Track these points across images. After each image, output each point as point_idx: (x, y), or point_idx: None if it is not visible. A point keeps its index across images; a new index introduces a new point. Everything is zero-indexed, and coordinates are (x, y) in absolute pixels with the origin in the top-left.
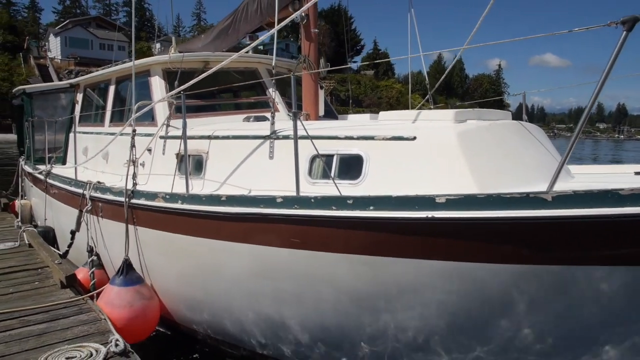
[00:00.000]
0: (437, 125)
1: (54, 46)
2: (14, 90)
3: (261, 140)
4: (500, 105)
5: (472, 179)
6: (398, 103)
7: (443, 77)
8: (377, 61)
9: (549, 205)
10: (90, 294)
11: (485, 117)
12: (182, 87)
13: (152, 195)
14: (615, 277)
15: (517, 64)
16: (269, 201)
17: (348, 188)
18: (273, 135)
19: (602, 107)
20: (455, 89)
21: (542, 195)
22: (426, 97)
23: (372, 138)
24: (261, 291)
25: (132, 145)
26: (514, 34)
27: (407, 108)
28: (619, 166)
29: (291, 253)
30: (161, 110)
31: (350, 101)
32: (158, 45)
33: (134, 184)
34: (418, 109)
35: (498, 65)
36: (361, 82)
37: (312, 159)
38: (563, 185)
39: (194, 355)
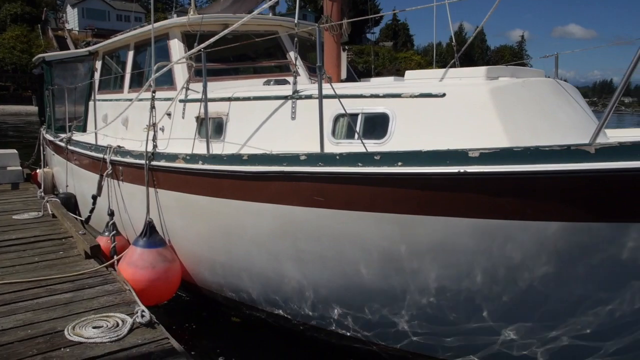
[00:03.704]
0: (467, 82)
1: (71, 17)
2: (33, 59)
3: (283, 101)
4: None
5: (506, 137)
6: None
7: (470, 40)
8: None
9: (592, 158)
10: (111, 261)
11: (519, 75)
12: (202, 46)
13: (173, 157)
14: None
15: (540, 36)
16: (292, 159)
17: (373, 148)
18: (295, 95)
19: (628, 81)
20: (476, 61)
21: (584, 148)
22: (453, 61)
23: (398, 96)
24: (283, 252)
25: (152, 107)
26: (536, 3)
27: None
28: None
29: (315, 212)
30: (180, 74)
31: (373, 67)
32: (175, 16)
33: (154, 146)
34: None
35: (521, 37)
36: (379, 53)
37: (336, 119)
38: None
39: (219, 323)
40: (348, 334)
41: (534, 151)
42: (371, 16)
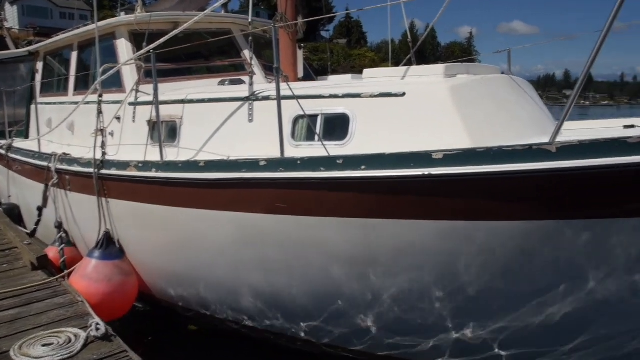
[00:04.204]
0: (427, 81)
1: (11, 16)
2: None
3: (239, 103)
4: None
5: (467, 135)
6: None
7: (423, 37)
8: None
9: (553, 157)
10: (63, 274)
11: (475, 72)
12: (151, 47)
13: (124, 165)
14: (622, 230)
15: (486, 32)
16: (252, 165)
17: (334, 149)
18: (252, 97)
19: (569, 74)
20: (427, 57)
21: (546, 147)
22: (408, 56)
23: (358, 96)
24: (247, 261)
25: (99, 112)
26: (482, 0)
27: None
28: (606, 121)
29: (277, 219)
30: (129, 75)
31: (330, 65)
32: (123, 14)
33: (103, 154)
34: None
35: (469, 33)
36: (334, 50)
37: (295, 121)
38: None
39: (178, 332)
40: (314, 339)
41: (497, 151)
42: (328, 15)
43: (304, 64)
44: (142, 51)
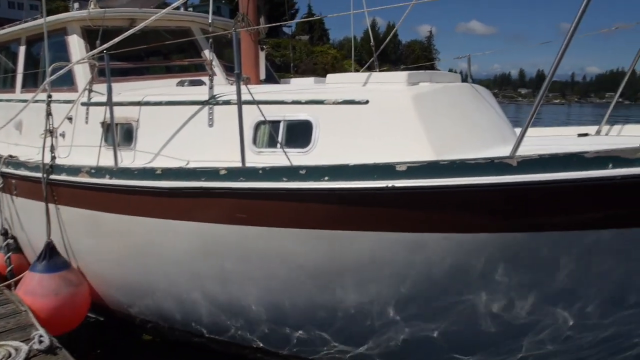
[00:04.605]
0: (390, 88)
1: None
2: None
3: (199, 107)
4: (432, 70)
5: (429, 144)
6: (333, 69)
7: (389, 38)
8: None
9: (514, 171)
10: (7, 282)
11: (437, 80)
12: (105, 46)
13: (75, 170)
14: (579, 243)
15: (445, 31)
16: (212, 173)
17: (297, 157)
18: (212, 101)
19: (524, 73)
20: (388, 54)
21: (507, 161)
22: (371, 60)
23: (321, 102)
24: (206, 272)
25: (48, 114)
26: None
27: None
28: (561, 129)
29: (238, 230)
30: (82, 74)
31: (292, 64)
32: (76, 5)
33: (52, 157)
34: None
35: (429, 32)
36: (296, 47)
37: (257, 126)
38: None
39: (132, 342)
40: (276, 350)
41: (459, 164)
42: (292, 21)
43: (267, 65)
44: (95, 51)
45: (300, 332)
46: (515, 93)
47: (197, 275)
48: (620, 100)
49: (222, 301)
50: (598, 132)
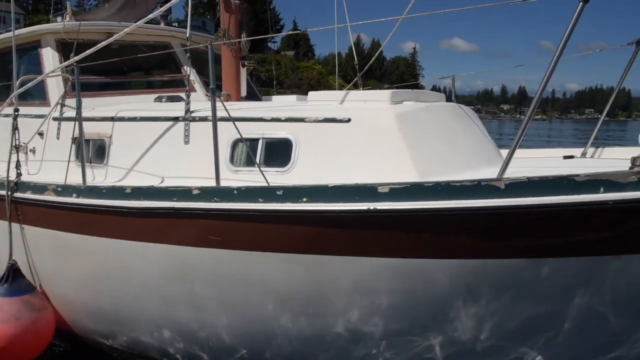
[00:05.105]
0: (373, 107)
1: None
2: None
3: (175, 122)
4: (416, 87)
5: (412, 164)
6: (319, 84)
7: (374, 58)
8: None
9: (501, 194)
10: None
11: (422, 99)
12: (75, 58)
13: (41, 188)
14: (569, 269)
15: (429, 48)
16: (184, 193)
17: (276, 176)
18: (189, 117)
19: (506, 89)
20: (373, 71)
21: (494, 183)
22: (355, 79)
23: (302, 120)
24: (177, 297)
25: (15, 128)
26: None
27: (329, 89)
28: (546, 150)
29: (211, 253)
30: (55, 87)
31: (275, 82)
32: (59, 20)
33: (18, 174)
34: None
35: (413, 49)
36: (281, 62)
37: (234, 144)
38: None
39: None
40: None
41: (445, 186)
42: (272, 35)
43: (249, 81)
44: (66, 62)
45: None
46: (498, 109)
47: (168, 301)
48: (599, 116)
49: (195, 328)
50: (584, 154)
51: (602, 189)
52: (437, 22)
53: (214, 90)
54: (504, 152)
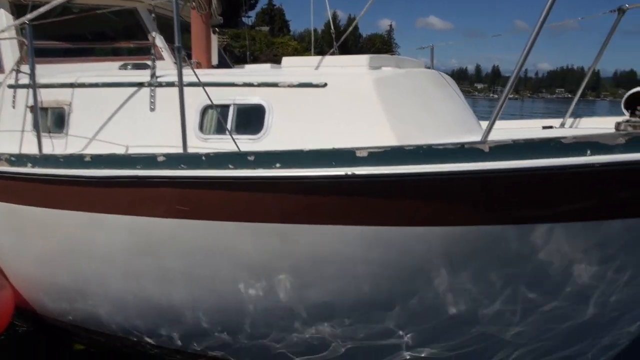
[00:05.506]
0: (350, 72)
1: None
2: None
3: (139, 88)
4: None
5: (391, 130)
6: None
7: (347, 32)
8: None
9: (486, 157)
10: None
11: (401, 65)
12: (28, 16)
13: None
14: (555, 235)
15: (405, 26)
16: (148, 160)
17: (248, 144)
18: (154, 82)
19: (480, 68)
20: (349, 48)
21: (478, 146)
22: (332, 49)
23: (275, 85)
24: (143, 272)
25: None
26: None
27: None
28: (524, 121)
29: (178, 224)
30: (9, 52)
31: (249, 58)
32: None
33: None
34: None
35: (389, 26)
36: (256, 38)
37: (204, 111)
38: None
39: (65, 354)
40: (220, 355)
41: (426, 150)
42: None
43: (220, 51)
44: (16, 21)
45: (247, 335)
46: (472, 88)
47: (133, 276)
48: (570, 96)
49: (162, 304)
50: (562, 125)
51: (589, 152)
52: None
53: (180, 48)
54: (484, 124)
